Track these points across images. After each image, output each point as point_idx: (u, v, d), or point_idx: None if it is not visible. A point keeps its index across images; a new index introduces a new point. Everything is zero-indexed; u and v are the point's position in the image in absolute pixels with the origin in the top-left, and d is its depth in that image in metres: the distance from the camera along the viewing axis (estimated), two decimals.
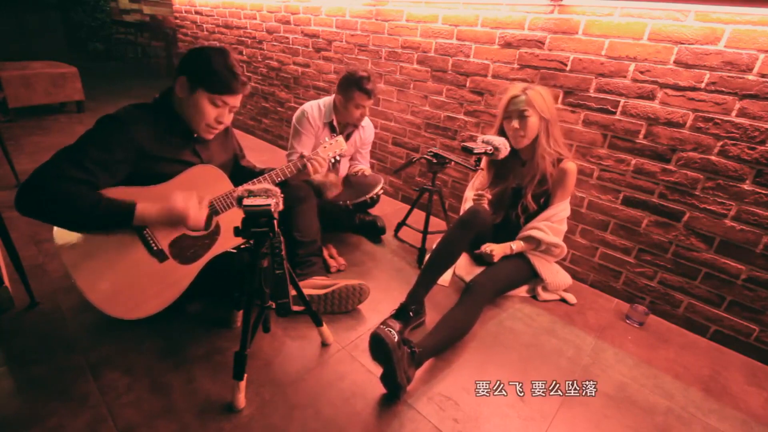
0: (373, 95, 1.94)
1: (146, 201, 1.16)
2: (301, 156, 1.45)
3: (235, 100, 1.27)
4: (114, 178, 1.15)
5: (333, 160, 1.55)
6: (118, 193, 1.15)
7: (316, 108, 2.03)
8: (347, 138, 2.10)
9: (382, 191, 2.01)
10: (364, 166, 2.23)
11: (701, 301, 1.64)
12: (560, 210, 1.64)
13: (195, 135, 1.32)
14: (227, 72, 1.20)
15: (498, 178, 1.75)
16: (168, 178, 1.24)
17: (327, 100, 2.05)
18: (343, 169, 2.22)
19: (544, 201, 1.66)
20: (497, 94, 2.02)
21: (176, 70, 1.24)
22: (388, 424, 1.14)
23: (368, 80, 1.92)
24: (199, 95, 1.21)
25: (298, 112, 2.03)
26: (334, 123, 2.03)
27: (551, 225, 1.64)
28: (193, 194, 1.20)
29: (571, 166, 1.59)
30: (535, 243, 1.68)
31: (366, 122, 2.17)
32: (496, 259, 1.64)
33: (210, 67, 1.19)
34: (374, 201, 2.04)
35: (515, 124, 1.57)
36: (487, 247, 1.64)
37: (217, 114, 1.25)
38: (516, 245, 1.68)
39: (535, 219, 1.67)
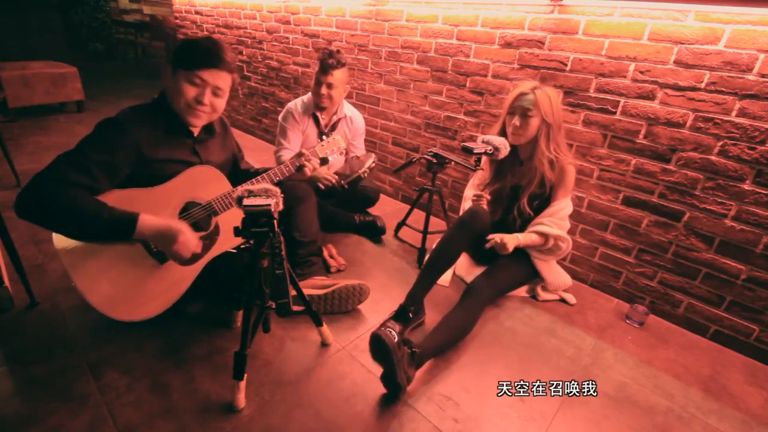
0: (328, 70, 1.89)
1: (145, 202, 1.16)
2: (299, 155, 1.45)
3: (214, 78, 1.21)
4: (114, 181, 1.15)
5: (330, 158, 1.55)
6: (116, 195, 1.14)
7: (299, 103, 2.09)
8: (333, 129, 2.14)
9: (374, 164, 1.97)
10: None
11: (701, 301, 1.64)
12: (562, 207, 1.63)
13: (195, 134, 1.32)
14: (201, 48, 1.20)
15: (497, 176, 1.75)
16: (167, 178, 1.24)
17: (309, 94, 2.10)
18: (337, 164, 2.22)
19: (537, 204, 1.65)
20: (498, 94, 2.02)
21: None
22: (388, 424, 1.14)
23: (328, 55, 1.88)
24: (179, 76, 1.20)
25: (283, 111, 2.09)
26: (317, 113, 2.07)
27: (554, 221, 1.63)
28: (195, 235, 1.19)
29: (570, 166, 1.60)
30: (542, 238, 1.64)
31: (353, 112, 2.19)
32: (510, 250, 1.57)
33: (187, 45, 1.21)
34: (375, 197, 2.12)
35: (516, 121, 1.57)
36: (496, 237, 1.57)
37: (196, 93, 1.20)
38: (524, 237, 1.62)
39: (539, 216, 1.65)
